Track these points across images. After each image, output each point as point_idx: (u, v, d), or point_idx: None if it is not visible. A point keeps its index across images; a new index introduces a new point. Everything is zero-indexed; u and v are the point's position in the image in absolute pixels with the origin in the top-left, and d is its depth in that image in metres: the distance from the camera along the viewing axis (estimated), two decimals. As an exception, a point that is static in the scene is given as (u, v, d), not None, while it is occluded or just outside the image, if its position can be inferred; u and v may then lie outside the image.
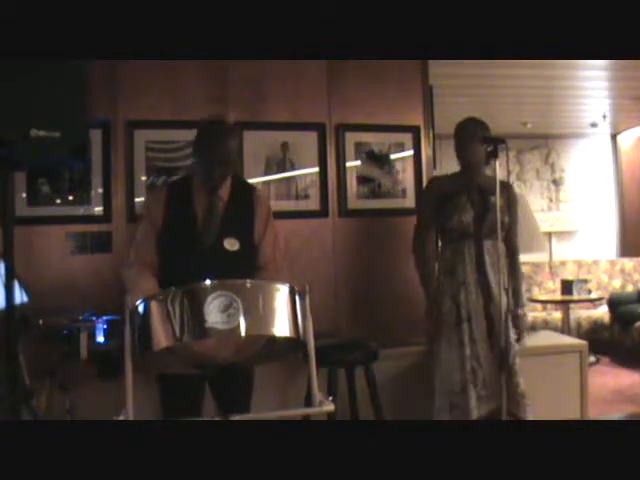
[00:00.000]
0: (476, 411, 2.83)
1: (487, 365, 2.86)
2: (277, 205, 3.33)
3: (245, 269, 2.36)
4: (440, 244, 3.09)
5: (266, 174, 3.45)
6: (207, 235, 2.41)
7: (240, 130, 2.55)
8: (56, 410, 2.55)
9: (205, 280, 1.73)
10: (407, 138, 3.70)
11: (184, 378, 2.23)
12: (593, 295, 6.27)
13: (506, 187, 2.92)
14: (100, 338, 2.59)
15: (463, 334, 2.88)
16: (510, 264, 3.00)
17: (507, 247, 2.96)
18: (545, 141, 7.68)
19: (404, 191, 3.68)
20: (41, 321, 2.55)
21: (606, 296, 6.54)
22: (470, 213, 2.92)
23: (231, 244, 2.39)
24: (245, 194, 2.55)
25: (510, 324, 2.87)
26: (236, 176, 2.60)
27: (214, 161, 2.37)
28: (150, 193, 2.81)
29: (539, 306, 6.68)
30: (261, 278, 2.39)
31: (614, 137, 7.83)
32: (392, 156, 3.68)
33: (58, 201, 3.16)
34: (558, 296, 6.30)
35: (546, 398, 3.46)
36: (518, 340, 2.97)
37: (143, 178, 3.27)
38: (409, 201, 3.67)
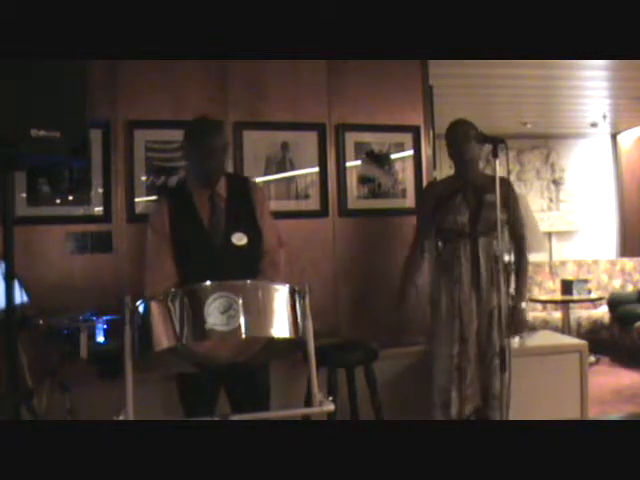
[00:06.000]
0: (458, 409, 2.88)
1: (476, 363, 2.90)
2: (277, 205, 3.33)
3: (256, 261, 2.49)
4: (438, 244, 3.10)
5: (266, 174, 3.45)
6: (215, 234, 2.44)
7: (223, 124, 2.60)
8: (56, 410, 2.55)
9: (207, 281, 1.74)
10: (407, 138, 3.70)
11: (197, 378, 2.25)
12: (593, 295, 6.27)
13: (503, 183, 2.92)
14: (100, 338, 2.59)
15: (454, 332, 2.91)
16: (515, 260, 3.01)
17: (512, 243, 2.98)
18: (545, 141, 7.67)
19: (404, 191, 3.68)
20: (41, 321, 2.55)
21: (606, 296, 6.53)
22: (465, 213, 2.94)
23: (239, 239, 2.43)
24: (241, 187, 2.59)
25: (506, 322, 2.88)
26: (230, 173, 2.65)
27: (203, 155, 2.41)
28: (152, 207, 2.80)
29: (539, 306, 6.67)
30: (264, 267, 2.50)
31: (614, 137, 7.82)
32: (392, 156, 3.68)
33: (58, 201, 3.16)
34: (558, 296, 6.30)
35: (546, 398, 3.47)
36: (516, 333, 2.99)
37: (143, 178, 3.27)
38: (409, 201, 3.68)
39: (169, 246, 2.45)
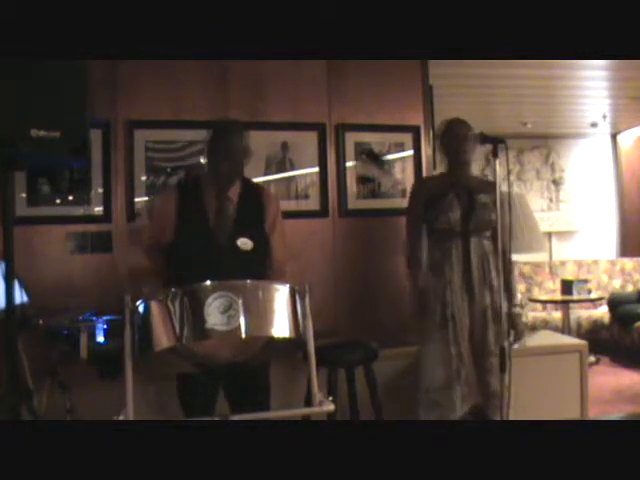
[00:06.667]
0: (460, 409, 2.87)
1: (469, 364, 2.89)
2: (277, 205, 3.33)
3: (259, 268, 2.47)
4: (429, 244, 3.08)
5: (266, 174, 3.45)
6: (220, 235, 2.45)
7: (243, 127, 2.61)
8: (56, 410, 2.55)
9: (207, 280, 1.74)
10: (407, 138, 3.70)
11: (197, 378, 2.25)
12: (593, 295, 6.26)
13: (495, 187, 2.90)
14: (100, 338, 2.59)
15: (448, 333, 2.90)
16: (501, 263, 2.98)
17: (497, 246, 2.94)
18: (545, 141, 7.67)
19: (404, 191, 3.68)
20: (41, 321, 2.55)
21: (606, 296, 6.53)
22: (457, 211, 2.92)
23: (244, 243, 2.44)
24: (254, 195, 2.60)
25: (499, 322, 2.87)
26: (246, 179, 2.65)
27: (219, 156, 2.46)
28: (159, 194, 2.82)
29: (539, 306, 6.67)
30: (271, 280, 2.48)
31: (614, 137, 7.82)
32: (392, 156, 3.68)
33: (58, 201, 3.16)
34: (558, 296, 6.28)
35: (546, 398, 3.47)
36: (516, 340, 2.96)
37: (143, 178, 3.27)
38: (409, 201, 3.67)
39: (165, 241, 2.47)
